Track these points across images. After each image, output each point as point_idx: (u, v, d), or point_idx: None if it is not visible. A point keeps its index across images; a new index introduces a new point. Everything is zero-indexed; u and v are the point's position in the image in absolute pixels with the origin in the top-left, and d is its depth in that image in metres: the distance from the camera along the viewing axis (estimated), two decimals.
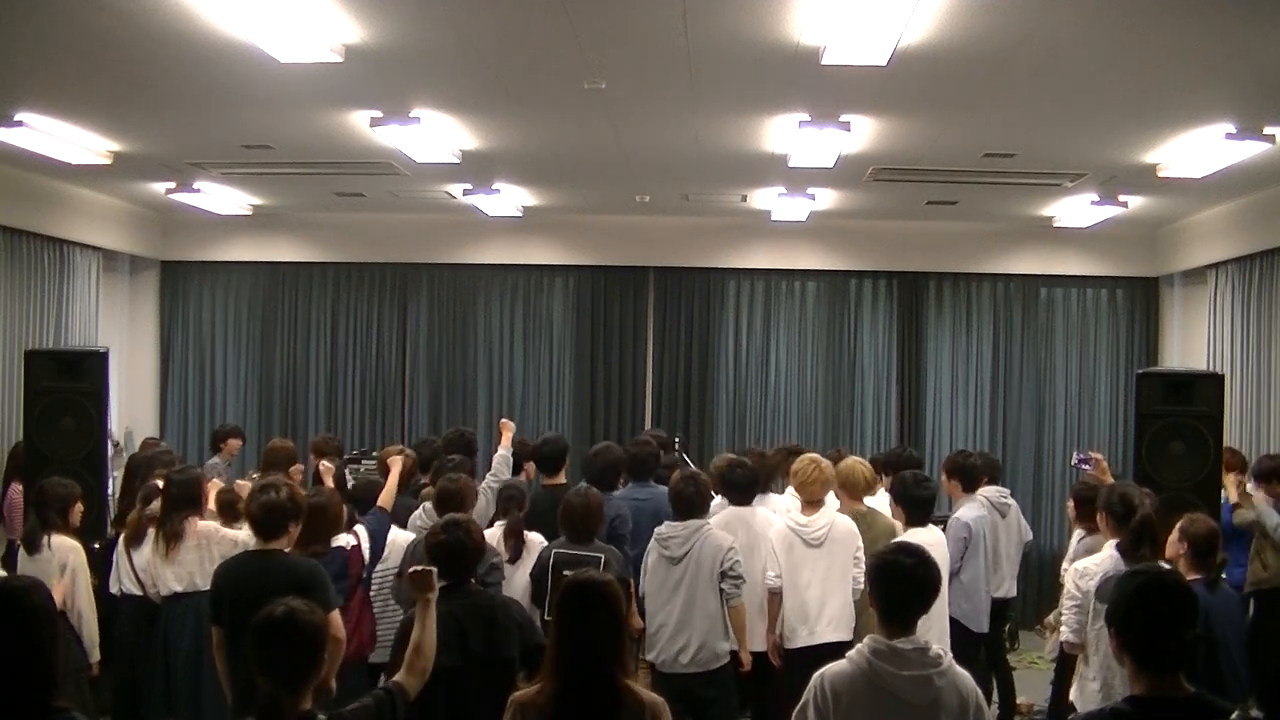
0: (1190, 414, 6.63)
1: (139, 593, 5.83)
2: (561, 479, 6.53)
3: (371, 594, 5.59)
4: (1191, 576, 4.63)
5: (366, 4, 4.76)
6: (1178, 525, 4.81)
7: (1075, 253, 10.37)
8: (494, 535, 5.53)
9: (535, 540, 5.69)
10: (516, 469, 6.90)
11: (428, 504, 5.96)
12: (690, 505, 5.51)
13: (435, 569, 3.89)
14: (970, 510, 6.54)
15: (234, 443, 9.02)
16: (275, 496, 4.65)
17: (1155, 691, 2.77)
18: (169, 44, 5.23)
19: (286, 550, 4.71)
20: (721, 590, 5.42)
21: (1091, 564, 4.92)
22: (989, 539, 6.56)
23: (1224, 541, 6.44)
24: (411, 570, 3.87)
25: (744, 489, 5.97)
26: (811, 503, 5.84)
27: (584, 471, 6.38)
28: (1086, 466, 6.82)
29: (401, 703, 3.34)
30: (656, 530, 5.56)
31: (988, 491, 6.83)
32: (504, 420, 7.06)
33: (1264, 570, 6.72)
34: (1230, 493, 6.83)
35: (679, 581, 5.42)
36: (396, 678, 3.47)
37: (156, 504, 5.86)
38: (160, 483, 6.06)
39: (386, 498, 5.98)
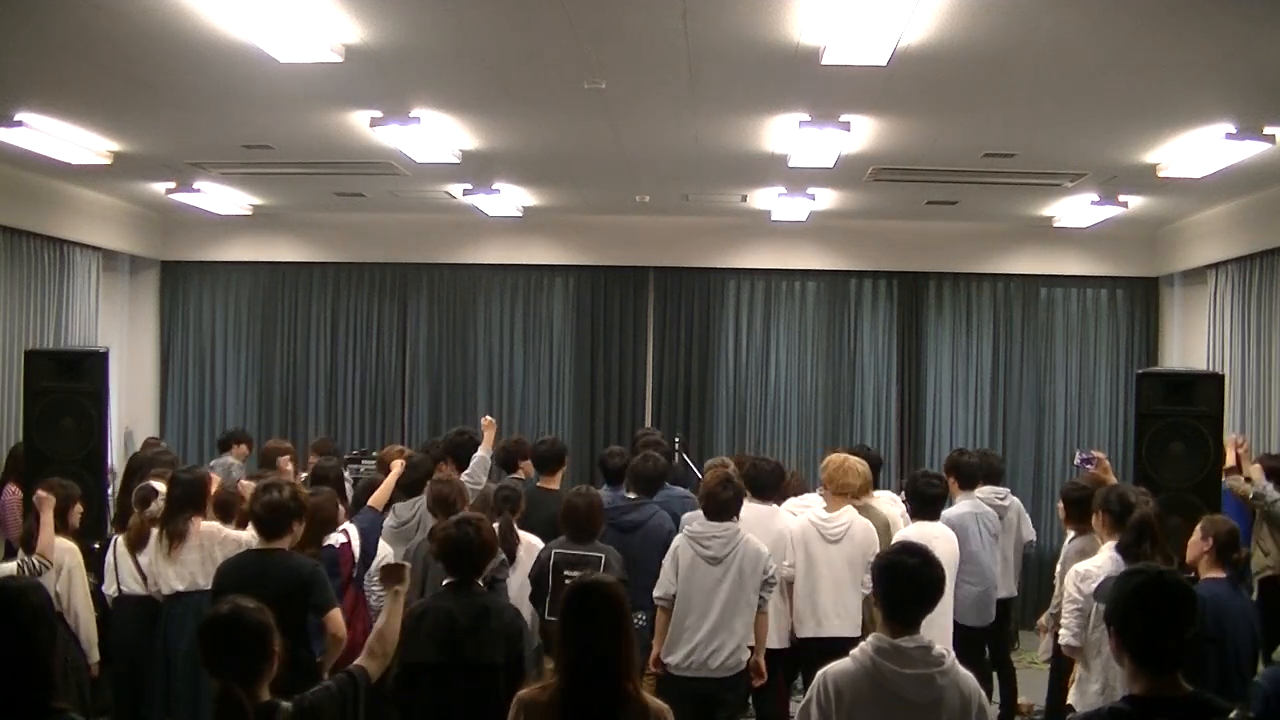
0: (1190, 414, 6.62)
1: (142, 591, 5.83)
2: (556, 484, 6.54)
3: (366, 593, 5.58)
4: (1214, 574, 4.63)
5: (366, 4, 4.76)
6: (1199, 525, 4.81)
7: (1075, 253, 10.36)
8: None
9: (531, 542, 5.67)
10: (513, 467, 6.89)
11: (399, 506, 6.01)
12: (726, 508, 5.45)
13: (408, 564, 4.11)
14: (958, 507, 6.57)
15: (242, 448, 9.04)
16: (279, 496, 4.68)
17: (1154, 690, 2.77)
18: (169, 44, 5.23)
19: (288, 549, 4.71)
20: (761, 598, 5.41)
21: (1093, 566, 4.92)
22: (985, 534, 6.57)
23: None
24: (384, 565, 4.01)
25: (772, 486, 6.01)
26: (840, 494, 6.03)
27: (631, 478, 6.25)
28: (1089, 466, 6.82)
29: (363, 684, 3.43)
30: (688, 530, 5.50)
31: (983, 491, 6.84)
32: (486, 418, 6.99)
33: (1265, 557, 6.73)
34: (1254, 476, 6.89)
35: (718, 583, 5.33)
36: (359, 660, 3.56)
37: (156, 505, 5.86)
38: (155, 484, 6.06)
39: (379, 498, 5.99)
